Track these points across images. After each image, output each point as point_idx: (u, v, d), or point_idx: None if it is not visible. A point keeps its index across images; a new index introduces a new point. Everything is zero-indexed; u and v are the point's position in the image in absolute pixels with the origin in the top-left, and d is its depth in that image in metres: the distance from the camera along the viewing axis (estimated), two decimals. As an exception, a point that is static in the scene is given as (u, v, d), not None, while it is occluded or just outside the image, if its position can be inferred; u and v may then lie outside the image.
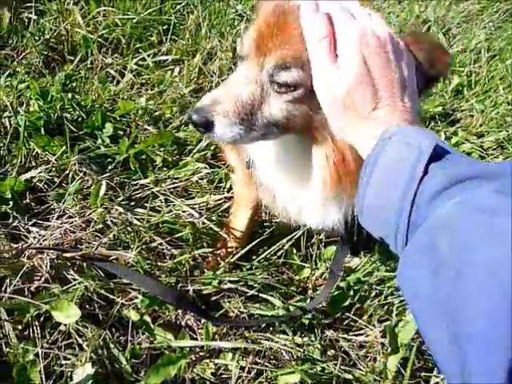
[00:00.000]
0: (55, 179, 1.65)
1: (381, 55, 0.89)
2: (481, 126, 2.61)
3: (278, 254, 1.63)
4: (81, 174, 1.64)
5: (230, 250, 1.64)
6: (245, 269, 1.55)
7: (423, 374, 1.48)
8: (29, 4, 2.29)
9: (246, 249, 1.54)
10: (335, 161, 1.03)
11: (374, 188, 0.83)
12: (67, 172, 1.63)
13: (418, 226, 0.74)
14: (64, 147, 1.67)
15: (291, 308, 1.49)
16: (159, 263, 1.51)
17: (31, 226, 1.53)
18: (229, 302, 1.50)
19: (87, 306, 1.40)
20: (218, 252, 1.66)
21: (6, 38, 2.21)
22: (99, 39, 2.25)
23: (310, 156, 1.09)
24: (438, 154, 0.77)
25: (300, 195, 1.21)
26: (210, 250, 1.61)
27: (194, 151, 1.91)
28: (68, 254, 1.43)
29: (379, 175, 0.82)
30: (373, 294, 1.55)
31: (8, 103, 1.77)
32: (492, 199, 0.64)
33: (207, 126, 0.95)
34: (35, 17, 2.24)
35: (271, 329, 1.45)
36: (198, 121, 0.95)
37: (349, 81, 0.88)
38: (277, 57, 0.93)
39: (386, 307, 1.54)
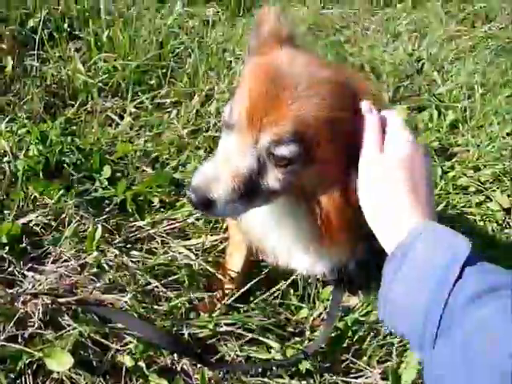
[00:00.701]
0: (52, 223, 1.67)
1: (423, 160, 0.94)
2: (477, 159, 2.62)
3: (275, 294, 1.62)
4: (77, 218, 1.65)
5: (226, 291, 1.63)
6: (241, 311, 1.54)
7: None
8: (31, 52, 2.38)
9: (241, 290, 1.53)
10: (323, 220, 1.04)
11: (401, 285, 0.81)
12: (64, 215, 1.64)
13: (450, 329, 0.73)
14: (62, 191, 1.69)
15: (289, 351, 1.46)
16: (155, 306, 1.50)
17: (27, 270, 1.53)
18: (225, 345, 1.48)
19: (81, 352, 1.38)
20: (215, 294, 1.64)
21: (9, 85, 2.28)
22: (99, 84, 2.31)
23: (297, 213, 1.10)
24: (469, 258, 0.77)
25: (288, 247, 1.21)
26: (206, 292, 1.60)
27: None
28: (63, 299, 1.42)
29: (407, 271, 0.81)
30: (371, 334, 1.52)
31: (8, 148, 1.81)
32: None
33: (207, 205, 0.93)
34: (37, 64, 2.31)
35: (268, 373, 1.42)
36: (197, 201, 0.93)
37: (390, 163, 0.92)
38: (274, 133, 0.91)
39: (385, 347, 1.51)
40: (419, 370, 1.45)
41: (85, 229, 1.66)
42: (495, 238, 2.25)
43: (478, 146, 2.69)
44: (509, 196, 2.48)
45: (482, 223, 2.33)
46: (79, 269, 1.56)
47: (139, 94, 2.37)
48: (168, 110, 2.32)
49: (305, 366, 1.39)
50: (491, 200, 2.45)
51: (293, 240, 1.17)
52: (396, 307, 0.82)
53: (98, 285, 1.49)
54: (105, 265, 1.55)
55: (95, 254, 1.54)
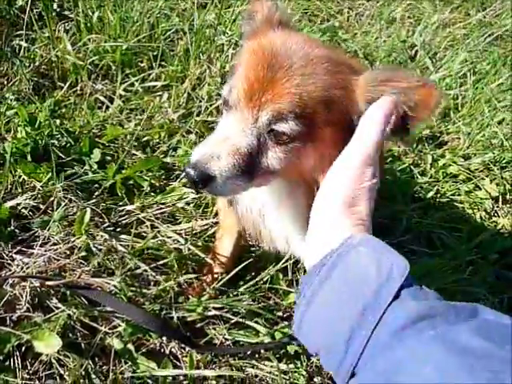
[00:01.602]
0: (40, 206, 1.66)
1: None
2: (467, 148, 2.64)
3: (264, 279, 1.63)
4: (66, 201, 1.64)
5: (215, 275, 1.64)
6: (231, 295, 1.55)
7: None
8: (19, 32, 2.33)
9: (230, 274, 1.53)
10: None
11: (326, 296, 0.74)
12: (52, 199, 1.63)
13: (375, 353, 0.67)
14: (50, 174, 1.67)
15: (277, 335, 1.48)
16: (143, 290, 1.51)
17: (15, 253, 1.53)
18: (213, 329, 1.49)
19: (70, 335, 1.39)
20: (204, 278, 1.65)
21: (-4, 65, 2.24)
22: (89, 66, 2.28)
23: (296, 195, 1.11)
24: (406, 279, 0.72)
25: (288, 228, 1.21)
26: (196, 275, 1.60)
27: (181, 176, 1.91)
28: (51, 283, 1.42)
29: (334, 286, 0.74)
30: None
31: (-5, 130, 1.79)
32: (476, 341, 0.61)
33: (206, 181, 0.93)
34: (26, 44, 2.27)
35: (256, 356, 1.44)
36: (196, 177, 0.92)
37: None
38: (273, 109, 0.92)
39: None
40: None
41: (74, 212, 1.65)
42: (483, 225, 2.27)
43: (469, 133, 2.70)
44: (497, 185, 2.51)
45: (470, 211, 2.35)
46: (68, 252, 1.56)
47: (129, 76, 2.34)
48: (159, 93, 2.29)
49: (293, 348, 1.41)
50: (480, 189, 2.48)
51: (291, 222, 1.17)
52: (314, 328, 0.76)
53: (86, 268, 1.49)
54: (93, 248, 1.55)
55: (84, 237, 1.54)
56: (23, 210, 1.63)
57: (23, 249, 1.55)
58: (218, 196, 1.06)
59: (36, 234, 1.59)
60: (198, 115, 2.26)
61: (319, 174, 0.98)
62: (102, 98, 2.17)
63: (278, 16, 1.05)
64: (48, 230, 1.58)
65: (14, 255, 1.52)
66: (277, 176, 1.02)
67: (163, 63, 2.43)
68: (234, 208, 1.29)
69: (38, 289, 1.42)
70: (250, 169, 0.96)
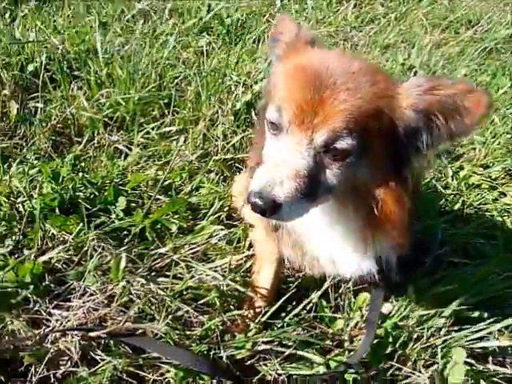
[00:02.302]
0: (73, 258, 1.63)
1: None
2: (485, 157, 2.63)
3: (307, 308, 1.58)
4: (99, 250, 1.62)
5: (258, 309, 1.59)
6: (275, 328, 1.49)
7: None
8: (34, 94, 2.39)
9: (275, 306, 1.49)
10: (381, 210, 1.03)
11: None
12: (85, 249, 1.61)
13: None
14: (80, 224, 1.66)
15: (331, 363, 1.41)
16: (188, 332, 1.46)
17: (53, 308, 1.49)
18: (265, 365, 1.43)
19: (118, 387, 1.33)
20: (246, 313, 1.60)
21: (14, 129, 2.28)
22: (104, 119, 2.32)
23: (347, 212, 1.10)
24: None
25: (336, 247, 1.19)
26: (238, 312, 1.56)
27: (209, 214, 1.90)
28: (93, 334, 1.38)
29: None
30: (414, 336, 1.48)
31: (21, 189, 1.79)
32: None
33: (274, 208, 0.94)
34: (42, 105, 2.32)
35: (313, 389, 1.37)
36: (264, 206, 0.93)
37: None
38: (328, 130, 0.94)
39: (430, 350, 1.46)
40: (467, 370, 1.41)
41: (107, 261, 1.62)
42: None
43: (484, 143, 2.70)
44: (522, 189, 2.48)
45: (500, 218, 2.31)
46: (106, 301, 1.52)
47: (144, 125, 2.37)
48: (175, 137, 2.32)
49: (350, 376, 1.34)
50: (505, 195, 2.45)
51: (343, 239, 1.15)
52: None
53: (127, 315, 1.45)
54: (132, 295, 1.51)
55: (122, 284, 1.51)
56: (57, 264, 1.60)
57: (60, 303, 1.51)
58: (286, 221, 1.05)
59: (72, 287, 1.56)
60: (216, 154, 2.28)
61: (374, 186, 0.98)
62: (120, 147, 2.19)
63: (309, 34, 1.07)
64: (84, 281, 1.55)
65: (51, 310, 1.48)
66: (334, 192, 1.01)
67: (175, 109, 2.48)
68: (279, 233, 1.27)
69: (81, 342, 1.38)
70: (311, 190, 0.96)
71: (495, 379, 1.45)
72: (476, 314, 1.54)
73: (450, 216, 2.21)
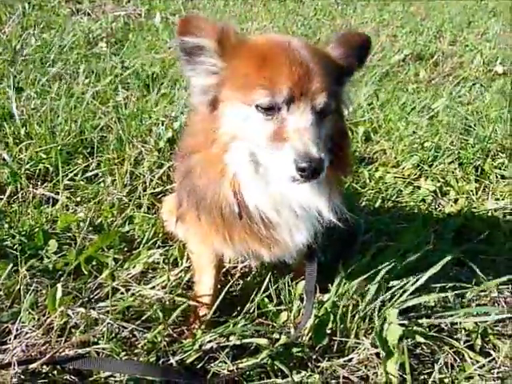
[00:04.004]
0: (5, 302, 1.58)
1: None
2: (395, 158, 2.88)
3: (253, 307, 1.62)
4: (32, 287, 1.58)
5: (203, 318, 1.60)
6: (223, 327, 1.52)
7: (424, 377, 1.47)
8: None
9: (213, 307, 1.53)
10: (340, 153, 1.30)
11: None
12: (18, 287, 1.57)
13: None
14: (9, 267, 1.62)
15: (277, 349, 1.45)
16: (134, 349, 1.44)
17: (-12, 355, 1.42)
18: (215, 365, 1.44)
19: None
20: (193, 326, 1.61)
21: None
22: (27, 171, 2.32)
23: None
24: None
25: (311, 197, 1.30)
26: (185, 327, 1.57)
27: (144, 241, 1.92)
28: (34, 364, 1.33)
29: None
30: (351, 309, 1.56)
31: None
32: None
33: (322, 166, 1.09)
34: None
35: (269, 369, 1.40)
36: (314, 165, 1.07)
37: None
38: (322, 97, 1.14)
39: (368, 318, 1.55)
40: (403, 330, 1.50)
41: (43, 298, 1.59)
42: (431, 217, 2.43)
43: (392, 147, 2.97)
44: (432, 180, 2.74)
45: (416, 208, 2.52)
46: (45, 335, 1.47)
47: (69, 174, 2.38)
48: (102, 179, 2.35)
49: (294, 350, 1.39)
50: (420, 188, 2.69)
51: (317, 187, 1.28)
52: None
53: (69, 342, 1.42)
54: (72, 323, 1.48)
55: (59, 311, 1.47)
56: (-13, 310, 1.54)
57: (-4, 348, 1.45)
58: (321, 179, 1.15)
59: (7, 330, 1.50)
60: (144, 190, 2.32)
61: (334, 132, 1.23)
62: (48, 194, 2.19)
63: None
64: (19, 321, 1.50)
65: (-13, 357, 1.42)
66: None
67: (100, 154, 2.52)
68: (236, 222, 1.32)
69: (21, 376, 1.32)
70: (325, 144, 1.18)
71: (431, 333, 1.56)
72: (402, 281, 1.66)
73: (372, 210, 2.39)
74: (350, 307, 1.56)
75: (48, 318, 1.50)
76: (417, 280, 1.59)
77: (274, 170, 1.18)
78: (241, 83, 1.17)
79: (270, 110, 1.14)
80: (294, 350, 1.42)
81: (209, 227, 1.39)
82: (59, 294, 1.52)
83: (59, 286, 1.55)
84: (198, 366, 1.43)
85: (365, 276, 1.60)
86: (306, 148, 1.08)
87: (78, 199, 2.27)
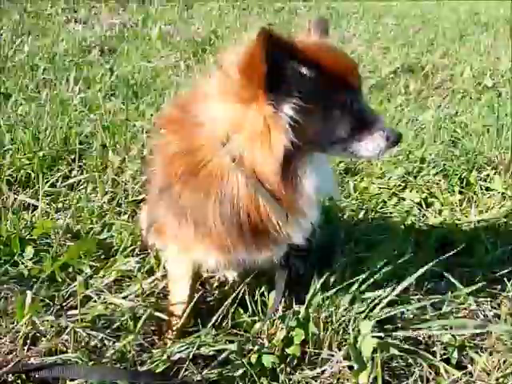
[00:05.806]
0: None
1: None
2: (380, 169, 2.88)
3: (225, 321, 1.60)
4: (3, 293, 1.56)
5: (175, 328, 1.58)
6: (192, 337, 1.50)
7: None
8: None
9: (184, 316, 1.51)
10: None
11: None
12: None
13: None
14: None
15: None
16: (103, 358, 1.42)
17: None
18: (183, 375, 1.41)
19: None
20: (165, 336, 1.59)
21: None
22: (8, 177, 2.30)
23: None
24: None
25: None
26: (156, 337, 1.55)
27: (121, 249, 1.90)
28: (-1, 373, 1.30)
29: None
30: (325, 324, 1.54)
31: None
32: None
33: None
34: None
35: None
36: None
37: None
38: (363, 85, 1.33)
39: (342, 330, 1.53)
40: (378, 342, 1.48)
41: (13, 306, 1.57)
42: (414, 228, 2.41)
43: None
44: (417, 191, 2.73)
45: (400, 219, 2.51)
46: (12, 345, 1.45)
47: (51, 180, 2.37)
48: (83, 186, 2.34)
49: (267, 359, 1.37)
50: (405, 199, 2.68)
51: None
52: None
53: (35, 350, 1.39)
54: (40, 330, 1.46)
55: (25, 319, 1.45)
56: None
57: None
58: None
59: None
60: (125, 198, 2.31)
61: None
62: (28, 200, 2.17)
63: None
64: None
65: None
66: None
67: (83, 161, 2.52)
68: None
69: (-15, 385, 1.30)
70: None
71: (406, 346, 1.54)
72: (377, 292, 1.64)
73: (355, 221, 2.38)
74: (324, 318, 1.54)
75: (16, 325, 1.48)
76: (392, 290, 1.57)
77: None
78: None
79: (351, 87, 1.26)
80: (265, 360, 1.39)
81: (196, 239, 1.36)
82: (28, 300, 1.50)
83: (29, 292, 1.52)
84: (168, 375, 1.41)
85: (339, 287, 1.59)
86: (383, 125, 1.27)
87: (60, 205, 2.26)
